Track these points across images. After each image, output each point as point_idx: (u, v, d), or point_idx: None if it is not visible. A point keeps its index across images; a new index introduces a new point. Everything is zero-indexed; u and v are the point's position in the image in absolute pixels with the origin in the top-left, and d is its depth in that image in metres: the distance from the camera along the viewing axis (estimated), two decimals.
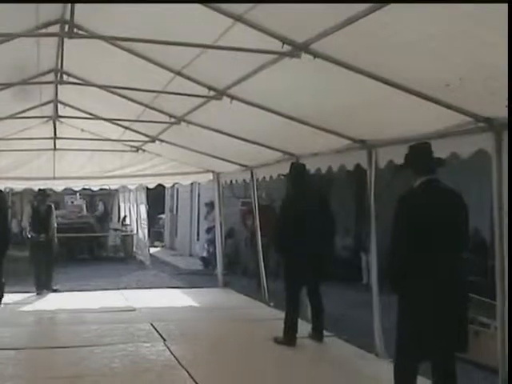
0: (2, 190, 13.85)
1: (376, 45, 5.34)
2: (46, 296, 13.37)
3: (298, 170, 9.36)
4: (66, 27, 6.77)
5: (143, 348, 9.03)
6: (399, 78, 5.87)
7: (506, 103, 5.10)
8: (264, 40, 5.76)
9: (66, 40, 7.17)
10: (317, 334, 9.18)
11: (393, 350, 6.03)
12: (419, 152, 5.99)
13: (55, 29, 7.02)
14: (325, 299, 9.35)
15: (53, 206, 14.91)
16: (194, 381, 7.39)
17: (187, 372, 7.75)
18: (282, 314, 9.35)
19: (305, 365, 8.29)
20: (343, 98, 7.01)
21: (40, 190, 14.06)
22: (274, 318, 10.96)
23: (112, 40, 7.04)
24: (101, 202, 24.84)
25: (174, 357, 8.49)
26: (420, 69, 5.54)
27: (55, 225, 14.63)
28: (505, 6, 3.94)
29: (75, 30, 6.60)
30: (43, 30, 6.95)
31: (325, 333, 9.35)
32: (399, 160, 7.37)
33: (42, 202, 14.39)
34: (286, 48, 5.82)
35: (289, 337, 8.97)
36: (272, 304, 12.40)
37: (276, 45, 5.77)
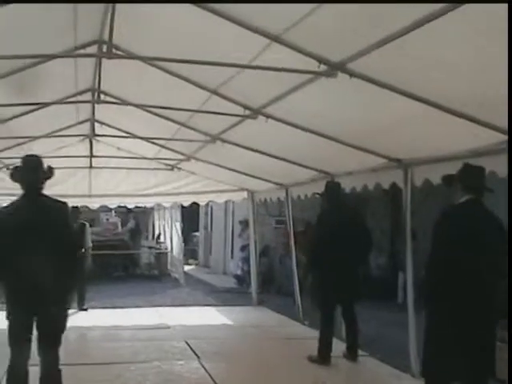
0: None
1: (411, 63, 5.33)
2: (78, 314, 13.39)
3: (332, 188, 9.34)
4: (105, 47, 6.86)
5: (177, 366, 9.04)
6: (435, 96, 5.84)
7: None
8: (300, 59, 5.78)
9: (103, 60, 7.28)
10: (351, 353, 9.12)
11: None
12: (474, 170, 5.96)
13: (93, 49, 7.11)
14: (359, 318, 9.28)
15: (87, 224, 14.91)
16: None
17: None
18: (317, 333, 9.31)
19: None
20: (378, 116, 6.99)
21: (73, 207, 13.98)
22: (309, 336, 10.89)
23: (150, 61, 7.12)
24: (132, 219, 24.89)
25: (209, 375, 8.48)
26: (456, 87, 5.52)
27: (90, 243, 14.57)
28: None
29: (113, 50, 6.68)
30: (82, 51, 7.05)
31: (359, 352, 9.30)
32: (435, 179, 7.36)
33: (75, 219, 14.27)
34: (323, 68, 5.84)
35: (323, 356, 8.93)
36: (307, 323, 12.35)
37: (312, 64, 5.79)
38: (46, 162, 9.55)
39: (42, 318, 5.83)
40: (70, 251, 6.19)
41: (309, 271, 9.64)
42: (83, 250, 13.97)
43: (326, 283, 9.01)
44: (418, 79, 5.64)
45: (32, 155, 6.26)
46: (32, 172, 6.02)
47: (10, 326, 5.85)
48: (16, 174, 6.08)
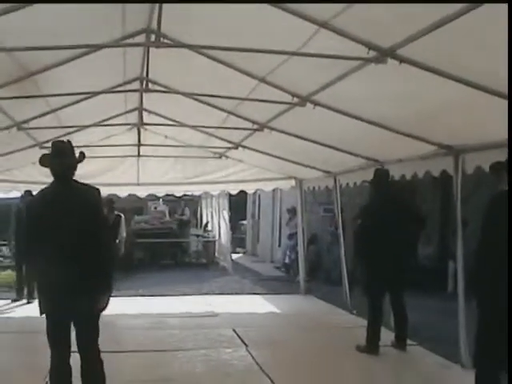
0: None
1: (463, 48, 5.23)
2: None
3: (381, 175, 9.24)
4: (153, 37, 6.88)
5: (225, 353, 9.10)
6: (487, 81, 5.73)
7: None
8: (349, 46, 5.71)
9: (151, 49, 7.29)
10: (400, 343, 9.06)
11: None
12: None
13: (141, 38, 7.12)
14: (408, 308, 9.21)
15: (122, 215, 14.95)
16: None
17: (269, 378, 7.77)
18: (365, 322, 9.26)
19: (387, 374, 8.20)
20: (429, 102, 6.88)
21: (107, 198, 13.86)
22: (357, 325, 10.86)
23: (198, 49, 7.11)
24: (187, 208, 25.01)
25: (256, 362, 8.53)
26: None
27: (124, 234, 14.63)
28: None
29: (162, 39, 6.69)
30: (130, 40, 7.06)
31: (408, 341, 9.23)
32: (488, 166, 7.23)
33: (111, 211, 14.32)
34: (372, 54, 5.76)
35: (371, 345, 8.87)
36: (355, 311, 12.29)
37: (361, 50, 5.72)
38: (95, 151, 9.63)
39: (78, 310, 5.67)
40: (103, 236, 5.99)
41: (357, 259, 9.55)
42: (117, 241, 14.07)
43: (374, 272, 8.95)
44: (470, 64, 5.52)
45: (61, 140, 6.15)
46: (61, 157, 5.83)
47: (48, 324, 5.75)
48: (45, 160, 5.93)
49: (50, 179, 5.85)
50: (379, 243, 8.68)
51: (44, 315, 5.74)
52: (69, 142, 6.03)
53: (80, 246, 5.60)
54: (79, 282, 5.54)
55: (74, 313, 5.67)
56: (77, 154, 6.00)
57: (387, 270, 8.70)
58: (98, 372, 5.87)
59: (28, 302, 13.31)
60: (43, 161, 5.92)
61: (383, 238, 8.67)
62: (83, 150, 6.05)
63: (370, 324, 9.00)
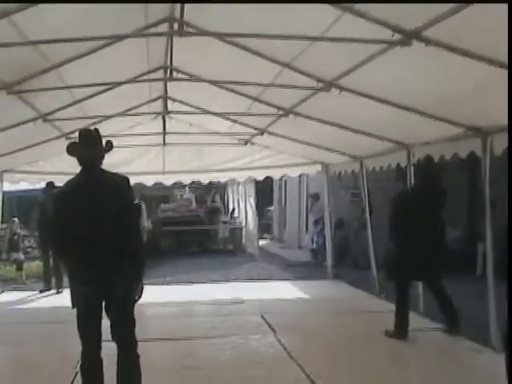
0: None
1: (490, 27, 5.14)
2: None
3: (427, 165, 9.15)
4: (176, 25, 6.86)
5: (253, 340, 9.09)
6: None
7: None
8: (373, 29, 5.66)
9: (174, 37, 7.27)
10: (452, 328, 8.96)
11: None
12: None
13: (164, 27, 7.12)
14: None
15: (143, 204, 14.94)
16: (305, 373, 7.37)
17: (298, 364, 7.75)
18: (393, 307, 9.21)
19: (417, 359, 8.14)
20: (455, 84, 6.80)
21: None
22: (385, 310, 10.81)
23: (221, 36, 7.09)
24: (217, 195, 25.07)
25: (284, 349, 8.51)
26: None
27: (145, 224, 14.60)
28: None
29: (185, 27, 6.67)
30: (153, 29, 7.06)
31: (438, 325, 9.18)
32: None
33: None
34: (397, 36, 5.71)
35: (400, 330, 8.83)
36: (383, 296, 12.25)
37: (386, 33, 5.68)
38: (120, 140, 9.62)
39: (112, 301, 5.60)
40: (133, 225, 5.91)
41: (393, 243, 9.45)
42: None
43: (408, 257, 8.86)
44: (496, 44, 5.41)
45: (88, 129, 6.04)
46: (89, 146, 5.70)
47: (78, 315, 5.64)
48: (72, 149, 5.79)
49: (76, 170, 5.81)
50: (417, 229, 8.63)
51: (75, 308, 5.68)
52: (96, 130, 5.92)
53: (110, 234, 5.52)
54: (111, 272, 5.50)
55: (107, 302, 5.61)
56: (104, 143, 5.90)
57: (425, 255, 8.64)
58: (133, 367, 5.71)
59: (57, 292, 13.43)
60: (70, 149, 5.80)
61: (422, 224, 8.64)
62: (108, 139, 5.97)
63: (399, 309, 8.95)
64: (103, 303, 5.61)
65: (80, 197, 5.61)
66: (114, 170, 5.96)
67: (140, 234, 6.14)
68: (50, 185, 13.61)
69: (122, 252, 5.52)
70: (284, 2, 5.47)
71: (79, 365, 5.73)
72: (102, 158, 5.82)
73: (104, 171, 5.83)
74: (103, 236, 5.52)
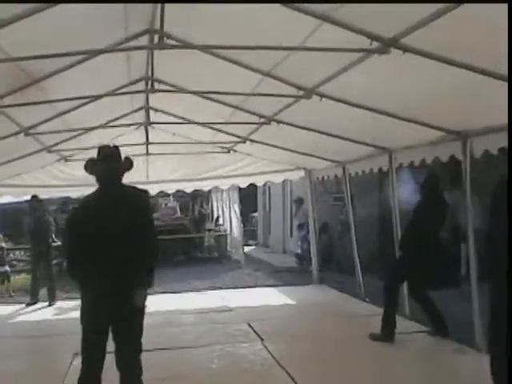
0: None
1: (467, 34, 5.20)
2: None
3: (433, 181, 9.24)
4: (156, 37, 6.89)
5: (241, 348, 9.12)
6: (491, 65, 5.72)
7: None
8: (352, 38, 5.71)
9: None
10: (439, 332, 9.03)
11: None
12: None
13: (145, 39, 7.15)
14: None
15: None
16: (293, 380, 7.43)
17: (286, 371, 7.79)
18: (379, 310, 9.27)
19: (404, 361, 8.22)
20: (434, 89, 6.87)
21: None
22: (371, 313, 10.89)
23: (201, 49, 7.13)
24: (203, 203, 25.09)
25: (272, 356, 8.54)
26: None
27: None
28: None
29: (165, 39, 6.70)
30: (133, 42, 7.08)
31: (423, 328, 9.26)
32: (496, 150, 7.25)
33: None
34: (375, 44, 5.77)
35: (387, 333, 8.90)
36: (368, 300, 12.31)
37: (364, 42, 5.73)
38: None
39: (121, 320, 5.46)
40: (150, 240, 5.66)
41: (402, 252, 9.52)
42: None
43: (408, 266, 8.95)
44: (473, 49, 5.50)
45: (108, 145, 5.81)
46: (108, 163, 5.55)
47: (84, 330, 5.50)
48: (91, 167, 5.62)
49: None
50: (424, 241, 8.76)
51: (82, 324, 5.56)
52: (116, 147, 5.77)
53: (127, 253, 5.39)
54: (125, 291, 5.38)
55: (115, 327, 5.51)
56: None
57: (431, 267, 8.74)
58: None
59: (49, 305, 13.42)
60: (89, 167, 5.65)
61: (428, 237, 8.83)
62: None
63: (387, 312, 9.01)
64: (111, 322, 5.50)
65: (97, 213, 5.51)
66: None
67: (156, 250, 5.89)
68: (35, 199, 13.69)
69: (138, 268, 5.44)
70: (283, 2, 5.48)
71: (78, 378, 5.63)
72: (122, 175, 5.70)
73: (122, 185, 5.72)
74: (120, 253, 5.39)
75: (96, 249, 5.40)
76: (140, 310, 5.60)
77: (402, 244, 9.56)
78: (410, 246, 9.10)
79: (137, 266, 5.42)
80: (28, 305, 13.60)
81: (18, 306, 13.64)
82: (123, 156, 5.74)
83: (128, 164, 5.73)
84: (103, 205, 5.51)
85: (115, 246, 5.37)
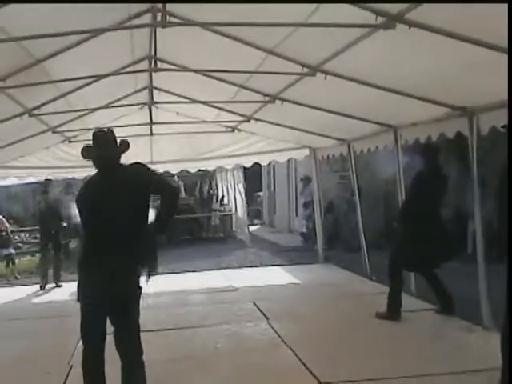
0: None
1: (474, 8, 5.13)
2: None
3: (432, 151, 9.15)
4: (159, 16, 6.83)
5: (247, 328, 9.12)
6: (497, 39, 5.62)
7: None
8: (357, 13, 5.66)
9: (158, 27, 7.24)
10: (446, 310, 9.00)
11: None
12: None
13: (147, 17, 7.09)
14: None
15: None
16: (299, 359, 7.41)
17: (292, 350, 7.79)
18: (385, 288, 9.25)
19: (412, 339, 8.17)
20: (441, 65, 6.80)
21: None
22: (377, 292, 10.88)
23: (204, 26, 7.07)
24: (207, 183, 25.05)
25: (278, 335, 8.53)
26: None
27: None
28: None
29: (168, 17, 6.64)
30: (136, 20, 7.02)
31: (429, 306, 9.24)
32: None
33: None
34: (380, 20, 5.71)
35: (393, 311, 8.88)
36: (374, 278, 12.29)
37: (369, 17, 5.67)
38: None
39: (119, 302, 5.36)
40: (169, 188, 5.64)
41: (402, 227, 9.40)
42: None
43: (416, 242, 8.86)
44: (483, 24, 5.41)
45: (102, 130, 5.79)
46: (103, 148, 5.54)
47: (83, 313, 5.44)
48: (87, 152, 5.61)
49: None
50: (423, 215, 8.69)
51: (79, 302, 5.48)
52: (110, 130, 5.73)
53: (130, 231, 5.34)
54: (124, 268, 5.36)
55: (113, 306, 5.38)
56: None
57: (433, 242, 8.66)
58: (137, 375, 5.50)
59: (57, 286, 13.45)
60: (85, 153, 5.63)
61: (427, 210, 8.74)
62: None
63: (392, 290, 8.99)
64: (111, 300, 5.36)
65: (97, 197, 5.47)
66: None
67: (176, 192, 5.92)
68: (48, 182, 13.91)
69: (139, 246, 5.40)
70: (284, 2, 5.45)
71: (81, 360, 5.56)
72: (119, 158, 5.66)
73: (121, 166, 5.66)
74: (122, 233, 5.33)
75: (97, 231, 5.42)
76: (138, 291, 5.58)
77: (400, 218, 9.46)
78: (408, 219, 9.03)
79: (138, 245, 5.39)
80: (42, 287, 13.58)
81: (23, 288, 13.67)
82: (120, 139, 5.72)
83: (124, 146, 5.71)
84: (102, 189, 5.48)
85: (115, 228, 5.31)
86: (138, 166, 5.64)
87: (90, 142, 5.65)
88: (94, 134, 5.70)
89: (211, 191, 24.83)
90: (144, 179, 5.50)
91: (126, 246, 5.36)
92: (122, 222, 5.33)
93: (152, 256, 5.64)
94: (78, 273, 5.64)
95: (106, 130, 5.76)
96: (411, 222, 8.93)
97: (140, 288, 5.56)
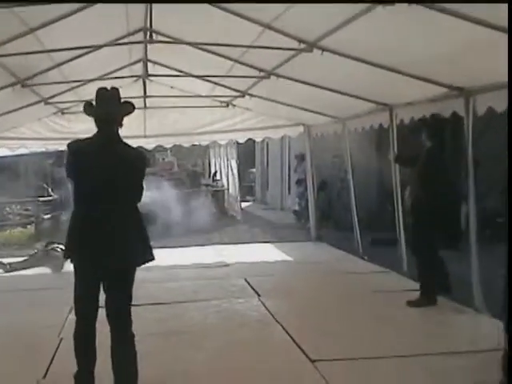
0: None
1: None
2: None
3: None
4: None
5: (238, 304, 9.14)
6: (497, 19, 5.53)
7: None
8: None
9: None
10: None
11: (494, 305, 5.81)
12: None
13: None
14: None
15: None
16: (290, 336, 7.43)
17: (282, 327, 7.79)
18: (375, 267, 9.20)
19: (401, 319, 8.17)
20: (439, 44, 6.72)
21: None
22: (368, 271, 10.89)
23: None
24: (199, 158, 24.99)
25: (269, 312, 8.54)
26: None
27: None
28: None
29: None
30: None
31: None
32: (500, 106, 7.12)
33: None
34: None
35: (428, 296, 8.65)
36: (366, 257, 12.29)
37: None
38: None
39: (111, 274, 5.30)
40: (139, 195, 5.48)
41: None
42: None
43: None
44: (483, 4, 5.35)
45: (106, 87, 5.55)
46: (107, 106, 5.34)
47: (76, 282, 5.37)
48: (89, 108, 5.39)
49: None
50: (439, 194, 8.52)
51: (68, 259, 5.45)
52: (115, 89, 5.53)
53: (118, 202, 5.25)
54: (115, 241, 5.26)
55: (106, 276, 5.31)
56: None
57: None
58: (128, 348, 5.40)
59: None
60: (87, 109, 5.44)
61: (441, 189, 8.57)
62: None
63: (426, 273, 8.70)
64: (103, 276, 5.33)
65: (92, 161, 5.28)
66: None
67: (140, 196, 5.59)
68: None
69: (128, 218, 5.34)
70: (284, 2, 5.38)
71: (73, 333, 5.47)
72: (121, 120, 5.46)
73: (122, 141, 5.47)
74: (110, 201, 5.25)
75: (88, 198, 5.28)
76: (133, 266, 5.51)
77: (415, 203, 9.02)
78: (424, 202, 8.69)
79: (128, 218, 5.34)
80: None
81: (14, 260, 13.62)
82: (123, 100, 5.54)
83: (130, 107, 5.53)
84: (100, 151, 5.30)
85: (107, 197, 5.24)
86: (142, 156, 5.61)
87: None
88: (97, 91, 5.47)
89: (197, 168, 24.75)
90: (138, 173, 5.45)
91: (124, 218, 5.30)
92: (121, 194, 5.28)
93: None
94: (70, 242, 5.42)
95: (111, 87, 5.57)
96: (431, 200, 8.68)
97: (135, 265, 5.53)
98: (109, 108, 5.35)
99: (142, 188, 5.52)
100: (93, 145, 5.36)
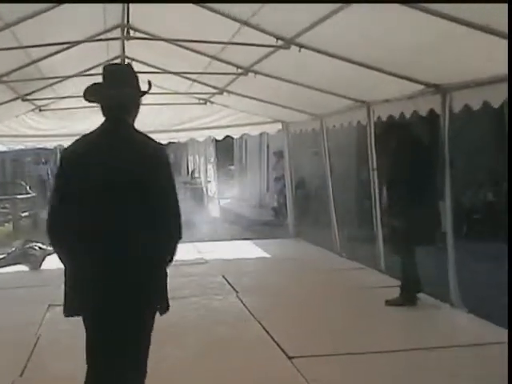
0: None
1: None
2: None
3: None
4: None
5: (216, 301, 9.14)
6: (473, 17, 5.58)
7: None
8: None
9: None
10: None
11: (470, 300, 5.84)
12: None
13: None
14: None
15: None
16: (268, 333, 7.43)
17: (260, 324, 7.80)
18: (353, 264, 9.22)
19: (378, 315, 8.21)
20: (415, 41, 6.75)
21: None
22: (346, 267, 10.91)
23: None
24: (172, 155, 24.94)
25: (247, 309, 8.55)
26: (499, 6, 5.23)
27: None
28: None
29: None
30: None
31: (398, 282, 9.24)
32: (476, 104, 7.18)
33: None
34: None
35: (408, 295, 8.53)
36: (344, 254, 12.32)
37: None
38: (78, 102, 9.40)
39: (118, 328, 3.98)
40: (173, 214, 4.03)
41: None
42: None
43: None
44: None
45: (117, 63, 4.22)
46: (118, 87, 4.03)
47: (89, 337, 4.06)
48: (94, 91, 4.07)
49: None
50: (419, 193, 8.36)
51: (69, 317, 4.07)
52: (129, 65, 4.43)
53: (135, 220, 3.86)
54: (128, 277, 3.89)
55: (119, 322, 3.99)
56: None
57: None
58: None
59: None
60: (91, 92, 4.09)
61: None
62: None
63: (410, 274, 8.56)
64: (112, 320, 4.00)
65: (94, 161, 3.90)
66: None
67: (180, 230, 4.18)
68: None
69: (149, 245, 3.93)
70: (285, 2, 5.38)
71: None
72: (138, 106, 4.24)
73: (135, 129, 4.19)
74: (124, 220, 3.84)
75: (89, 214, 3.83)
76: (150, 317, 4.31)
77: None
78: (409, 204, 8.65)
79: (148, 244, 3.93)
80: None
81: None
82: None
83: (148, 87, 4.32)
84: (103, 148, 3.96)
85: (114, 211, 3.83)
86: (161, 148, 4.15)
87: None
88: (105, 68, 4.23)
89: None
90: (163, 172, 4.01)
91: (134, 238, 3.86)
92: (133, 209, 3.87)
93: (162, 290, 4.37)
94: (66, 279, 3.99)
95: (121, 63, 4.30)
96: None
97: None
98: (121, 90, 4.09)
99: (174, 196, 4.04)
100: (97, 149, 3.97)
